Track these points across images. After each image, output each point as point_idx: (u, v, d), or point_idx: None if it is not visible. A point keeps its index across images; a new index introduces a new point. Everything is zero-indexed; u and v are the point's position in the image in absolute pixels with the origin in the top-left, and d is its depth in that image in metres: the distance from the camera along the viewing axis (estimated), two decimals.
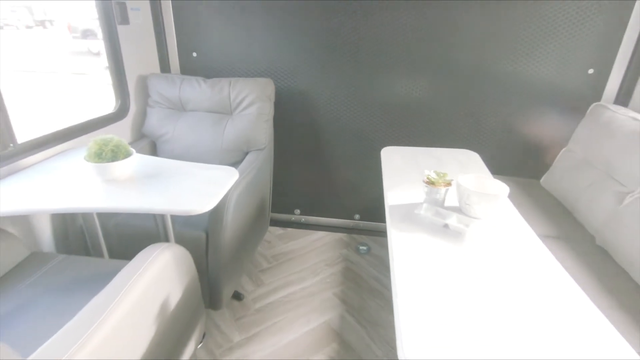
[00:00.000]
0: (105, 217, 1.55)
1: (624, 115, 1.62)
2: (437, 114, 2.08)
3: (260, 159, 1.85)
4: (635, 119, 1.55)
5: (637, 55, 1.77)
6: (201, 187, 1.25)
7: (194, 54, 2.15)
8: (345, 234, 2.41)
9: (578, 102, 1.91)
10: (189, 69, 2.19)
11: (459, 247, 1.01)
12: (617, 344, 0.74)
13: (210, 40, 2.10)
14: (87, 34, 9.52)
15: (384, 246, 2.29)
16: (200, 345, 1.52)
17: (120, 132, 1.87)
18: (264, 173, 1.92)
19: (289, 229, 2.45)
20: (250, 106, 1.89)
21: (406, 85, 2.04)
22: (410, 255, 0.97)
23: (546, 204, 1.77)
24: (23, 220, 1.39)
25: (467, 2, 1.83)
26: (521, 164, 2.12)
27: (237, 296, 1.84)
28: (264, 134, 1.91)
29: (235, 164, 1.85)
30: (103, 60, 7.95)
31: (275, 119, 2.01)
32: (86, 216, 1.45)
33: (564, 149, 1.91)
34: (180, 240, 1.42)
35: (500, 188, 1.14)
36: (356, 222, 2.47)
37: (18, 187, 1.22)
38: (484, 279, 0.90)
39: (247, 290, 1.91)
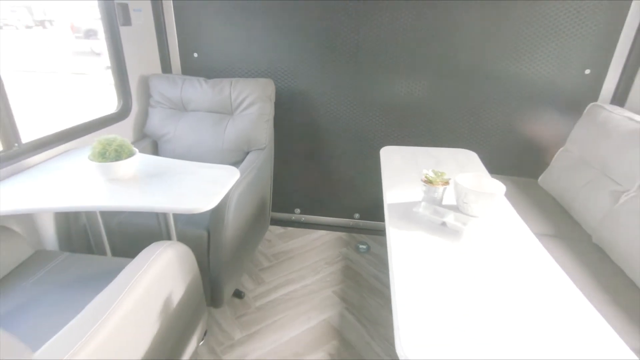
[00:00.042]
0: (109, 216, 1.57)
1: (619, 115, 1.63)
2: (436, 114, 2.10)
3: (261, 159, 1.87)
4: (631, 119, 1.57)
5: (633, 55, 1.79)
6: (203, 186, 1.27)
7: (195, 55, 2.17)
8: (345, 233, 2.43)
9: (575, 102, 1.93)
10: (189, 69, 2.21)
11: (457, 244, 1.03)
12: (611, 340, 0.76)
13: (211, 41, 2.12)
14: (90, 34, 9.52)
15: (384, 245, 2.31)
16: (201, 343, 1.54)
17: (123, 132, 1.88)
18: (264, 172, 1.94)
19: (289, 228, 2.47)
20: (251, 106, 1.91)
21: (405, 85, 2.06)
22: (409, 253, 0.99)
23: (544, 203, 1.79)
24: (27, 219, 1.41)
25: (465, 3, 1.84)
26: (519, 164, 2.14)
27: (238, 294, 1.86)
28: (265, 134, 1.93)
29: (236, 163, 1.87)
30: (103, 60, 7.99)
31: (275, 119, 2.03)
32: (90, 215, 1.47)
33: (561, 149, 1.93)
34: (182, 239, 1.44)
35: (497, 187, 1.16)
36: (356, 221, 2.48)
37: (22, 186, 1.24)
38: (481, 276, 0.92)
39: (248, 288, 1.93)
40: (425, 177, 1.20)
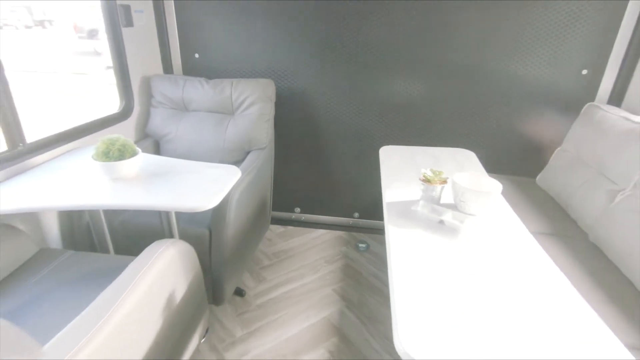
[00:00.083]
0: (112, 215, 1.59)
1: (616, 115, 1.65)
2: (435, 114, 2.12)
3: (262, 158, 1.89)
4: (627, 119, 1.59)
5: (629, 56, 1.81)
6: (205, 185, 1.29)
7: (196, 55, 2.19)
8: (344, 232, 2.45)
9: (572, 102, 1.95)
10: (191, 69, 2.23)
11: (454, 242, 1.05)
12: (605, 337, 0.77)
13: (212, 42, 2.14)
14: (93, 34, 9.52)
15: (383, 244, 2.33)
16: (203, 340, 1.56)
17: (125, 132, 1.90)
18: (265, 172, 1.96)
19: (290, 227, 2.49)
20: (252, 106, 1.93)
21: (405, 85, 2.08)
22: (407, 250, 1.01)
23: (541, 202, 1.81)
24: (32, 218, 1.43)
25: (464, 4, 1.86)
26: (517, 163, 2.16)
27: (239, 292, 1.88)
28: (265, 134, 1.95)
29: (236, 163, 1.89)
30: (104, 60, 8.00)
31: (276, 119, 2.05)
32: (93, 213, 1.49)
33: (558, 148, 1.95)
34: (184, 237, 1.46)
35: (494, 185, 1.18)
36: (355, 220, 2.50)
37: (27, 185, 1.26)
38: (478, 273, 0.94)
39: (249, 286, 1.95)
40: (424, 176, 1.22)
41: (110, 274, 1.14)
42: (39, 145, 1.45)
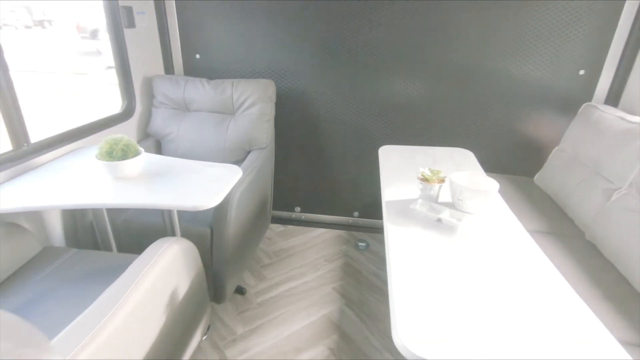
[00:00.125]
0: (115, 214, 1.61)
1: (612, 115, 1.68)
2: (435, 114, 2.14)
3: (262, 158, 1.91)
4: (623, 119, 1.61)
5: (626, 56, 1.83)
6: (207, 184, 1.30)
7: (197, 56, 2.21)
8: (344, 231, 2.47)
9: (570, 102, 1.97)
10: (192, 70, 2.25)
11: (452, 240, 1.07)
12: (599, 332, 0.79)
13: (212, 42, 2.16)
14: (95, 34, 9.52)
15: (382, 242, 2.34)
16: (205, 337, 1.58)
17: (127, 132, 1.92)
18: (265, 171, 1.98)
19: (290, 226, 2.51)
20: (252, 106, 1.95)
21: (404, 85, 2.10)
22: (406, 247, 1.03)
23: (539, 201, 1.83)
24: (36, 217, 1.45)
25: (462, 5, 1.88)
26: (516, 163, 2.18)
27: (240, 290, 1.90)
28: (266, 134, 1.97)
29: (237, 162, 1.91)
30: (104, 60, 8.01)
31: (276, 119, 2.07)
32: (96, 212, 1.51)
33: (556, 148, 1.97)
34: (185, 236, 1.47)
35: (491, 184, 1.20)
36: (355, 219, 2.52)
37: (32, 185, 1.28)
38: (474, 269, 0.96)
39: (250, 284, 1.97)
40: (422, 175, 1.24)
41: (113, 272, 1.16)
42: (43, 145, 1.47)
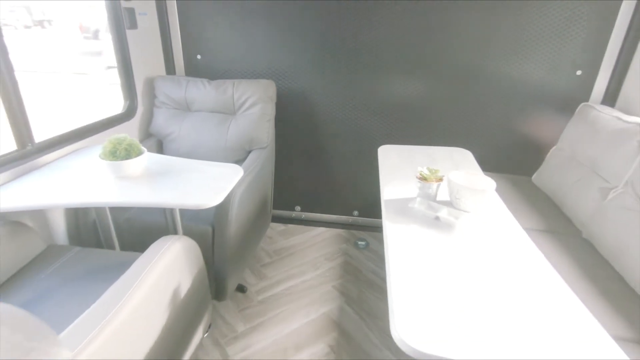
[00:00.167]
0: (118, 213, 1.63)
1: (608, 115, 1.70)
2: (434, 114, 2.16)
3: (263, 157, 1.93)
4: (619, 119, 1.63)
5: (623, 56, 1.85)
6: (208, 183, 1.32)
7: (198, 57, 2.23)
8: (344, 230, 2.49)
9: (567, 102, 1.99)
10: (193, 70, 2.27)
11: (449, 237, 1.09)
12: (592, 328, 0.81)
13: (213, 43, 2.18)
14: (96, 34, 9.50)
15: (382, 241, 2.35)
16: (206, 335, 1.60)
17: (129, 132, 1.93)
18: (266, 171, 2.00)
19: (290, 225, 2.53)
20: (253, 106, 1.97)
21: (404, 85, 2.12)
22: (404, 244, 1.05)
23: (536, 200, 1.86)
24: (40, 215, 1.47)
25: (461, 6, 1.90)
26: (514, 162, 2.20)
27: (241, 289, 1.92)
28: (266, 133, 1.99)
29: (238, 162, 1.92)
30: (104, 60, 8.01)
31: (276, 119, 2.09)
32: (99, 211, 1.53)
33: (554, 147, 1.99)
34: (187, 234, 1.49)
35: (488, 183, 1.22)
36: (355, 218, 2.54)
37: (36, 184, 1.30)
38: (471, 266, 0.98)
39: (250, 283, 1.99)
40: (420, 174, 1.26)
41: (116, 270, 1.17)
42: (47, 145, 1.49)
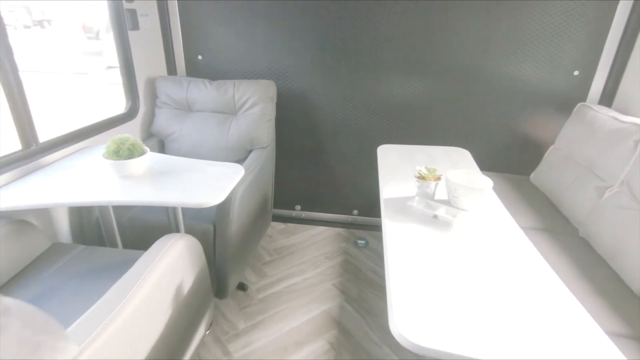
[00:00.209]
0: (121, 211, 1.65)
1: (605, 115, 1.71)
2: (432, 114, 2.18)
3: (263, 157, 1.95)
4: (616, 119, 1.65)
5: (620, 57, 1.87)
6: (210, 182, 1.34)
7: (199, 57, 2.24)
8: (344, 229, 2.51)
9: (565, 102, 2.01)
10: (194, 71, 2.28)
11: (447, 235, 1.11)
12: (587, 324, 0.83)
13: (214, 44, 2.20)
14: (97, 34, 9.50)
15: (381, 240, 2.37)
16: (208, 332, 1.62)
17: (131, 132, 1.96)
18: (266, 170, 2.02)
19: (290, 224, 2.55)
20: (254, 107, 1.98)
21: (403, 85, 2.14)
22: (402, 242, 1.07)
23: (534, 199, 1.87)
24: (44, 214, 1.49)
25: (462, 7, 1.92)
26: (512, 161, 2.22)
27: (242, 287, 1.94)
28: (267, 133, 2.01)
29: (239, 161, 1.94)
30: (104, 60, 8.02)
31: (277, 119, 2.11)
32: (103, 210, 1.54)
33: (551, 147, 2.01)
34: (189, 233, 1.51)
35: (486, 182, 1.24)
36: (354, 217, 2.56)
37: (40, 183, 1.32)
38: (468, 263, 1.00)
39: (251, 281, 2.01)
40: (419, 173, 1.28)
41: (120, 268, 1.19)
42: (50, 144, 1.51)
